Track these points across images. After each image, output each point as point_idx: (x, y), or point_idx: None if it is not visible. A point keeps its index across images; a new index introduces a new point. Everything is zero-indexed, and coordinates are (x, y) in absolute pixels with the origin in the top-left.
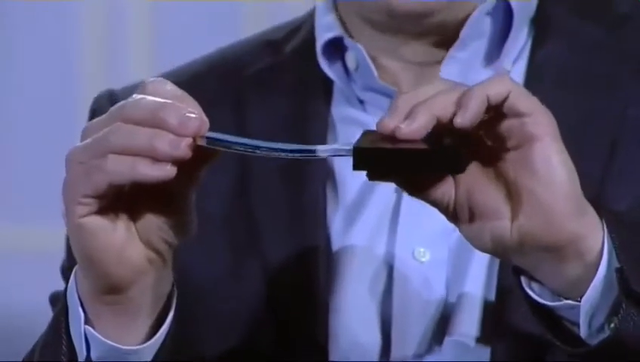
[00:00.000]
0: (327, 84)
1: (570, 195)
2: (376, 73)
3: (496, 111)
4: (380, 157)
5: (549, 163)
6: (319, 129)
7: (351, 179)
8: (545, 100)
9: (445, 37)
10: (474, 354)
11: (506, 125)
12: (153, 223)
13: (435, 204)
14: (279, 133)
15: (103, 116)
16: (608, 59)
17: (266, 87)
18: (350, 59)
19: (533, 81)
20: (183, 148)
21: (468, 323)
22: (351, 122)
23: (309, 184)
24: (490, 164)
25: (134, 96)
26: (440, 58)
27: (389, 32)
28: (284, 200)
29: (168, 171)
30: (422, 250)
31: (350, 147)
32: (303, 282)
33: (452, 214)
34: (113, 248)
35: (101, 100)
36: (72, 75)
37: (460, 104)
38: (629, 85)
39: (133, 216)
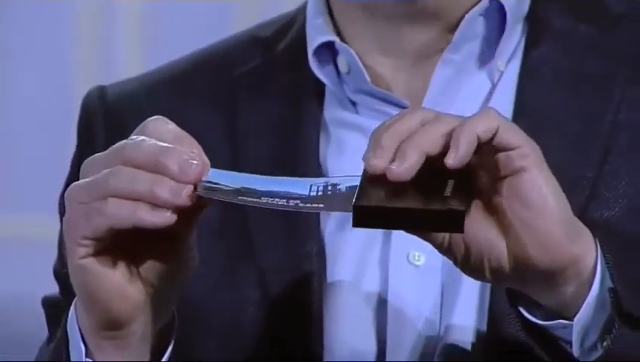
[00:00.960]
0: (319, 85)
1: (563, 221)
2: (368, 77)
3: (484, 146)
4: (382, 215)
5: (540, 193)
6: (311, 131)
7: None
8: (540, 101)
9: (439, 26)
10: (468, 358)
11: (494, 158)
12: (153, 262)
13: (429, 239)
14: (271, 135)
15: (104, 153)
16: (601, 59)
17: (257, 87)
18: (342, 62)
19: (527, 82)
20: (183, 197)
21: (463, 328)
22: (343, 124)
23: None
24: (482, 197)
25: (135, 137)
26: (433, 53)
27: (382, 18)
28: (277, 216)
29: (168, 218)
30: (417, 253)
31: (352, 202)
32: (297, 288)
33: (446, 249)
34: (113, 287)
35: (91, 97)
36: (67, 65)
37: (450, 144)
38: (621, 86)
39: (133, 255)
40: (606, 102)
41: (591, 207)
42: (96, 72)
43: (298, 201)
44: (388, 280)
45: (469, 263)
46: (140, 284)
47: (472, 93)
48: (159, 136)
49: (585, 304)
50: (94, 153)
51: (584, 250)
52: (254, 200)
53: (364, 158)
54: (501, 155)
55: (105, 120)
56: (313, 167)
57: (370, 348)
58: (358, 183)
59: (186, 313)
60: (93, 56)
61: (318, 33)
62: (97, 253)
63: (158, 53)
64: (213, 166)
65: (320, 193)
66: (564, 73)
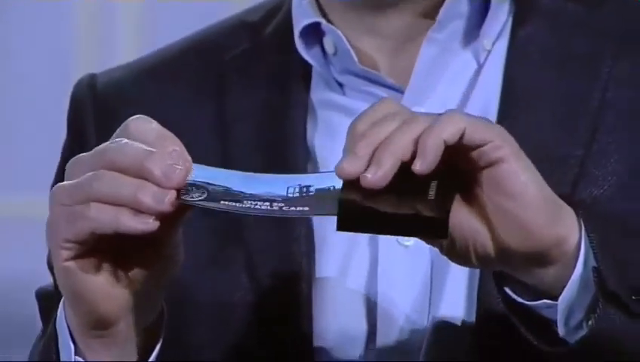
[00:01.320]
0: (306, 67)
1: (544, 206)
2: (355, 57)
3: (457, 145)
4: (365, 222)
5: (518, 181)
6: (299, 114)
7: (332, 163)
8: (528, 80)
9: (423, 7)
10: (458, 338)
11: (468, 154)
12: (138, 263)
13: None
14: (259, 119)
15: (89, 154)
16: (589, 37)
17: (245, 71)
18: (328, 43)
19: (515, 61)
20: (166, 204)
21: (452, 308)
22: (331, 106)
23: (289, 170)
24: (464, 187)
25: (119, 139)
26: (418, 33)
27: (365, 6)
28: None
29: (151, 225)
30: None
31: (335, 209)
32: (285, 270)
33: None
34: (98, 288)
35: (81, 85)
36: (66, 64)
37: (417, 150)
38: (609, 64)
39: (118, 256)
40: (593, 80)
41: (580, 185)
42: (95, 71)
43: (282, 205)
44: (377, 261)
45: (454, 250)
46: (126, 284)
47: (457, 73)
48: (142, 136)
49: (568, 284)
50: (84, 142)
51: (567, 231)
52: (237, 205)
53: (338, 166)
54: (475, 152)
55: (94, 108)
56: (301, 150)
57: (361, 328)
58: (334, 182)
59: (175, 297)
60: (93, 56)
61: (303, 15)
62: (81, 255)
63: (155, 33)
64: (203, 151)
65: (297, 194)
66: (551, 52)
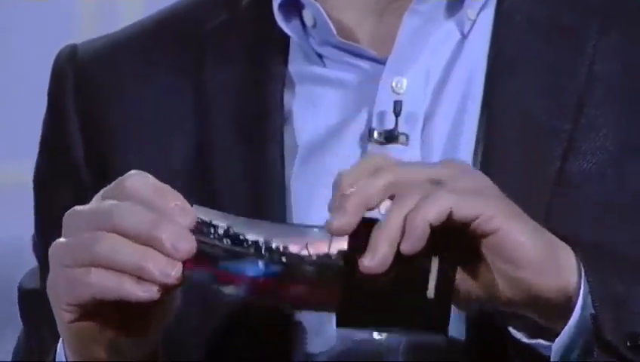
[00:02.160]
0: (284, 39)
1: (545, 264)
2: (334, 30)
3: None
4: (365, 321)
5: (516, 245)
6: (276, 87)
7: (312, 134)
8: (515, 50)
9: None
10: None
11: (464, 227)
12: (140, 316)
13: None
14: (238, 92)
15: (90, 210)
16: (577, 11)
17: (223, 44)
18: (307, 16)
19: (501, 31)
20: (172, 278)
21: None
22: (310, 78)
23: (268, 149)
24: (465, 255)
25: (120, 202)
26: (400, 3)
27: None
28: (243, 171)
29: (155, 293)
30: None
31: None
32: None
33: None
34: (103, 344)
35: (62, 56)
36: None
37: (405, 229)
38: (595, 38)
39: (121, 313)
40: (579, 54)
41: (569, 159)
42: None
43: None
44: None
45: (462, 303)
46: (130, 338)
47: (440, 43)
48: (139, 193)
49: (565, 328)
50: (62, 113)
51: (568, 277)
52: (233, 293)
53: (327, 223)
54: (469, 226)
55: (74, 76)
56: (277, 123)
57: None
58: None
59: None
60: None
61: None
62: (84, 316)
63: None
64: (184, 124)
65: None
66: (538, 22)
